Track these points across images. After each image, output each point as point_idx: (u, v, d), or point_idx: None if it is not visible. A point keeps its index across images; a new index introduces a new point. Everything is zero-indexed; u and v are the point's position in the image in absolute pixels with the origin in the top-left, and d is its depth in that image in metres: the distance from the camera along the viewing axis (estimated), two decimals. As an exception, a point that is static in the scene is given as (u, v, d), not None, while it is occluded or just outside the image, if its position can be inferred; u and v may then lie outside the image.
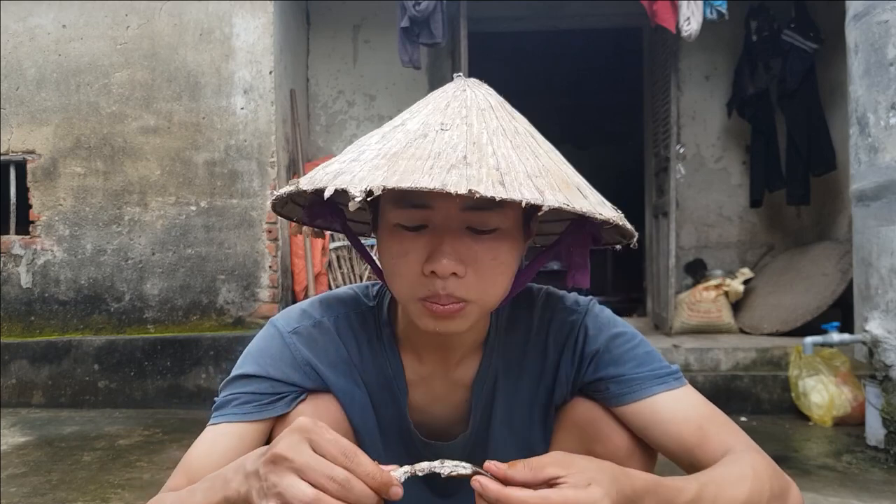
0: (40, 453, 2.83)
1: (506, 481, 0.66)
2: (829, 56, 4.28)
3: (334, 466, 0.62)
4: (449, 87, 0.85)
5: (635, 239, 0.84)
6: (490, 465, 0.67)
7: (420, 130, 0.77)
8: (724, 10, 3.65)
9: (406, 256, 0.80)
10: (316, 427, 0.65)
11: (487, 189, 0.67)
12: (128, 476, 2.51)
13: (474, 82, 0.86)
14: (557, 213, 0.99)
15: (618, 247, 0.94)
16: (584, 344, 0.94)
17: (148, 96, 4.06)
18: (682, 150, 4.45)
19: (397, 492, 0.65)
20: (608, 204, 0.79)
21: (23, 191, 4.13)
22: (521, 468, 0.66)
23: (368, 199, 0.68)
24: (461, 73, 0.89)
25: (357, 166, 0.74)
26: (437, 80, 4.79)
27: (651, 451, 0.90)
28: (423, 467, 0.68)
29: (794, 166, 4.47)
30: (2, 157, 4.09)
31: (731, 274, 4.52)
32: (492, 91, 0.86)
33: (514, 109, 0.87)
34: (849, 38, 2.82)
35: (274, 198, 0.85)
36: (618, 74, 6.76)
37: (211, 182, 4.04)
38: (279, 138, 4.10)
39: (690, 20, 3.61)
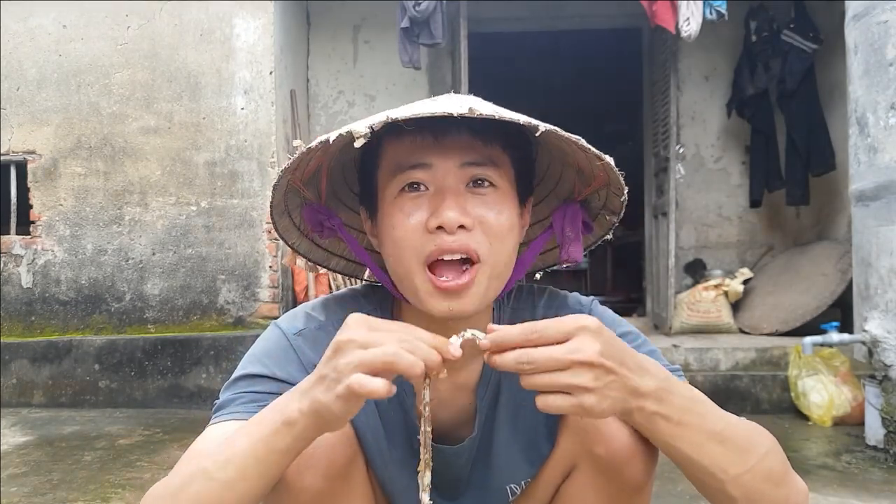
0: (41, 453, 2.83)
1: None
2: (829, 56, 4.29)
3: (398, 331, 0.68)
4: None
5: (626, 195, 0.89)
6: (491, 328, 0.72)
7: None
8: (723, 11, 3.65)
9: (410, 218, 0.82)
10: (368, 316, 0.70)
11: (487, 111, 0.71)
12: (128, 476, 2.51)
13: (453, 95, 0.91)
14: (545, 197, 1.00)
15: (608, 236, 0.97)
16: None
17: (148, 96, 4.06)
18: (681, 151, 4.45)
19: (456, 350, 0.70)
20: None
21: (23, 191, 4.14)
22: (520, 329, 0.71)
23: (375, 129, 0.72)
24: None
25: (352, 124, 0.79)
26: (437, 80, 4.80)
27: (652, 451, 0.90)
28: (467, 334, 0.74)
29: (794, 166, 4.48)
30: (2, 158, 4.09)
31: (730, 274, 4.53)
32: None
33: None
34: (848, 39, 2.83)
35: (276, 181, 0.86)
36: (617, 75, 6.76)
37: (211, 182, 4.04)
38: (279, 138, 4.11)
39: (690, 20, 3.62)
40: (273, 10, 4.04)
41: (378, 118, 0.73)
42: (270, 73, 4.02)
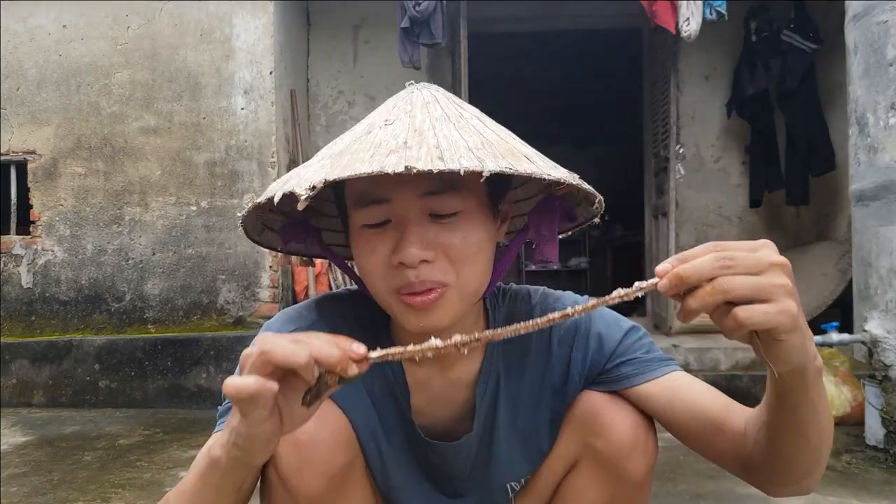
0: (41, 453, 2.83)
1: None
2: (829, 56, 4.29)
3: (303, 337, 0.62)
4: (400, 92, 0.87)
5: (601, 203, 0.83)
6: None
7: (365, 129, 0.80)
8: (723, 11, 3.65)
9: (374, 252, 0.81)
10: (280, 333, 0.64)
11: (426, 164, 0.68)
12: (128, 476, 2.52)
13: (425, 85, 0.87)
14: (528, 192, 0.99)
15: (596, 220, 0.92)
16: (599, 343, 0.94)
17: (148, 96, 4.06)
18: (681, 151, 4.45)
19: (360, 347, 0.64)
20: (562, 169, 0.78)
21: (23, 191, 4.14)
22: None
23: (313, 193, 0.68)
24: (413, 82, 0.89)
25: (304, 170, 0.77)
26: (437, 80, 4.79)
27: (653, 446, 0.90)
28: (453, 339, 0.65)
29: (794, 166, 4.48)
30: (2, 158, 4.10)
31: (730, 274, 4.52)
32: (441, 90, 0.87)
33: (463, 102, 0.87)
34: (848, 39, 2.83)
35: (240, 220, 0.85)
36: (617, 75, 6.77)
37: (211, 182, 4.04)
38: (279, 138, 4.11)
39: (690, 20, 3.62)
40: (273, 10, 4.04)
41: (318, 175, 0.70)
42: (270, 73, 4.02)
